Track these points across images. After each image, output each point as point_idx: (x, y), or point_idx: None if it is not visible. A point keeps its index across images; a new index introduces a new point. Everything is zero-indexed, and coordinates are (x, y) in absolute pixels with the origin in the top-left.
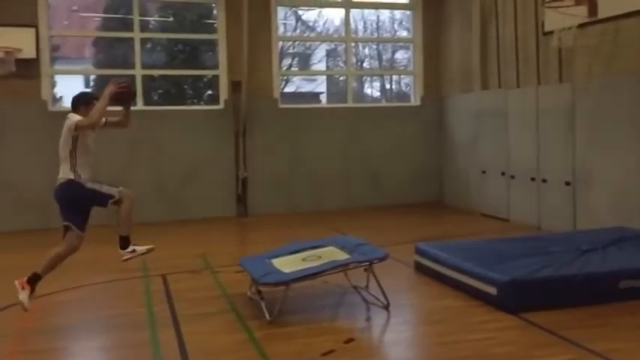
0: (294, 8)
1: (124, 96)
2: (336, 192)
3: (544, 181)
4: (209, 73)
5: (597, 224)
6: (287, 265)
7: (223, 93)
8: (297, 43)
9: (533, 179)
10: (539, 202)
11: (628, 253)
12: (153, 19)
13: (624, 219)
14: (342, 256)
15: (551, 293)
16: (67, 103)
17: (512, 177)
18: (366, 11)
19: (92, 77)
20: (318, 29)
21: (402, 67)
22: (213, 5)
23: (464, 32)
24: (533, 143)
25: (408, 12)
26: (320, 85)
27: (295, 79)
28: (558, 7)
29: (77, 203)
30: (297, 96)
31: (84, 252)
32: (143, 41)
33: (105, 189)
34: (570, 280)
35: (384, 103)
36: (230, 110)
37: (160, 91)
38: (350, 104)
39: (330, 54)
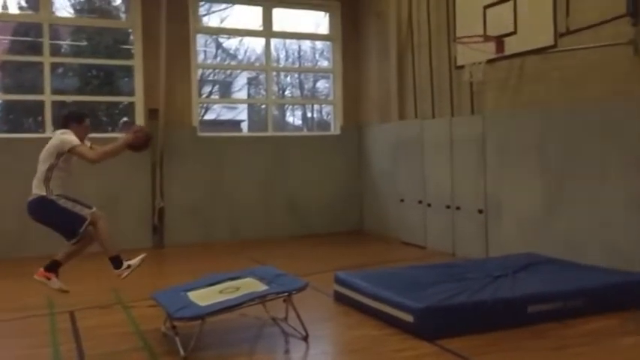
0: (214, 36)
1: (140, 145)
2: (256, 221)
3: (458, 208)
4: (124, 99)
5: (508, 250)
6: (203, 297)
7: (139, 120)
8: (217, 70)
9: (448, 207)
10: (454, 229)
11: (536, 278)
12: (65, 42)
13: (532, 245)
14: (260, 287)
15: (465, 319)
16: None
17: (429, 205)
18: (288, 40)
19: None
20: (240, 57)
21: (324, 97)
22: (130, 30)
23: (382, 64)
24: (448, 172)
25: (328, 42)
26: (241, 113)
27: (216, 106)
28: (468, 43)
29: (52, 218)
30: (218, 124)
31: None
32: (54, 66)
33: (77, 208)
34: (483, 306)
35: (304, 132)
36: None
37: None
38: (270, 133)
39: (251, 82)
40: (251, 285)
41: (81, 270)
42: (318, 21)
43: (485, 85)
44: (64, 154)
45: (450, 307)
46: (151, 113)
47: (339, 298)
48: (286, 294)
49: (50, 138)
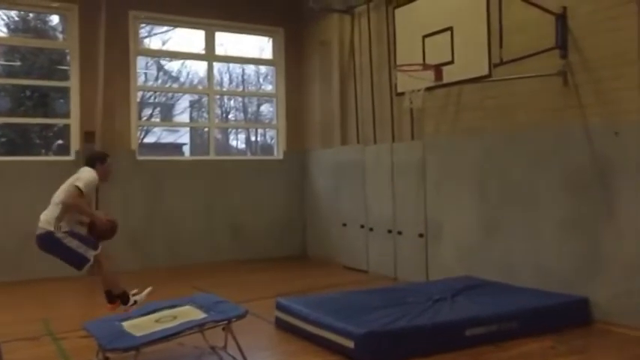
0: (156, 58)
1: (102, 231)
2: (198, 247)
3: (400, 233)
4: (59, 121)
5: (447, 273)
6: (139, 327)
7: (75, 143)
8: (158, 93)
9: (389, 231)
10: (396, 253)
11: (473, 302)
12: None
13: (471, 268)
14: (199, 315)
15: (405, 344)
16: None
17: (371, 229)
18: (232, 64)
19: None
20: (182, 80)
21: (268, 121)
22: (67, 51)
23: (324, 90)
24: (389, 197)
25: (272, 67)
26: (183, 137)
27: (157, 129)
28: (408, 70)
29: (57, 253)
30: (159, 147)
31: None
32: None
33: (82, 249)
34: (422, 330)
35: (247, 156)
36: (82, 162)
37: (4, 140)
38: (212, 157)
39: (193, 105)
40: (189, 313)
41: (13, 297)
42: (262, 45)
43: (425, 112)
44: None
45: (391, 332)
46: (87, 136)
47: (281, 324)
48: (225, 322)
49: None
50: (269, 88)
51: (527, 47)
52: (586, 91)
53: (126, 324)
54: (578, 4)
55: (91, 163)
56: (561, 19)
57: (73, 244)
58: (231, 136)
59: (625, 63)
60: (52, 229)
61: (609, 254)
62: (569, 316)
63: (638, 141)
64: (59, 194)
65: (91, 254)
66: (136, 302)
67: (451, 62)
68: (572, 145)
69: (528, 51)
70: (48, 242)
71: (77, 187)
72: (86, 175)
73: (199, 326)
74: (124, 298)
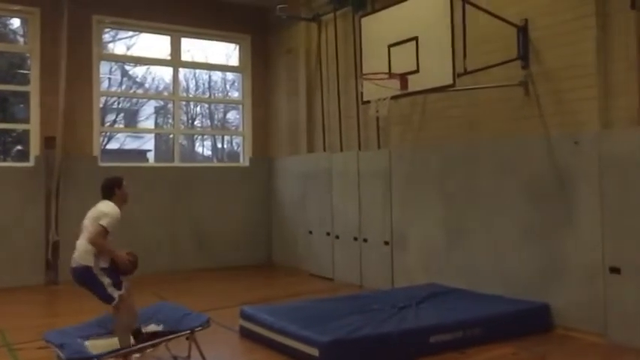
0: (120, 63)
1: (126, 269)
2: (162, 255)
3: (365, 240)
4: (18, 127)
5: (412, 280)
6: (100, 347)
7: (35, 149)
8: (122, 98)
9: (355, 239)
10: (362, 261)
11: (438, 309)
12: None
13: (435, 275)
14: (161, 325)
15: (370, 351)
16: None
17: (337, 237)
18: (199, 70)
19: None
20: (147, 85)
21: (234, 127)
22: (28, 55)
23: (291, 97)
24: (355, 204)
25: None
26: (147, 143)
27: (120, 135)
28: (374, 79)
29: (89, 287)
30: (122, 153)
31: None
32: None
33: (110, 290)
34: (387, 338)
35: (213, 163)
36: (42, 168)
37: None
38: (177, 164)
39: (159, 111)
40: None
41: None
42: (229, 52)
43: (391, 120)
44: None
45: (356, 340)
46: (48, 141)
47: (245, 333)
48: (188, 332)
49: None
50: (236, 95)
51: (491, 58)
52: (546, 101)
53: (88, 343)
54: (539, 16)
55: (109, 191)
56: (523, 31)
57: (104, 281)
58: (197, 143)
59: (584, 74)
60: (90, 265)
61: (569, 261)
62: (530, 322)
63: (597, 150)
64: (87, 227)
65: (116, 295)
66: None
67: (416, 71)
68: (534, 154)
69: (491, 61)
70: (83, 277)
71: (102, 227)
72: (111, 211)
73: (162, 336)
74: (138, 337)
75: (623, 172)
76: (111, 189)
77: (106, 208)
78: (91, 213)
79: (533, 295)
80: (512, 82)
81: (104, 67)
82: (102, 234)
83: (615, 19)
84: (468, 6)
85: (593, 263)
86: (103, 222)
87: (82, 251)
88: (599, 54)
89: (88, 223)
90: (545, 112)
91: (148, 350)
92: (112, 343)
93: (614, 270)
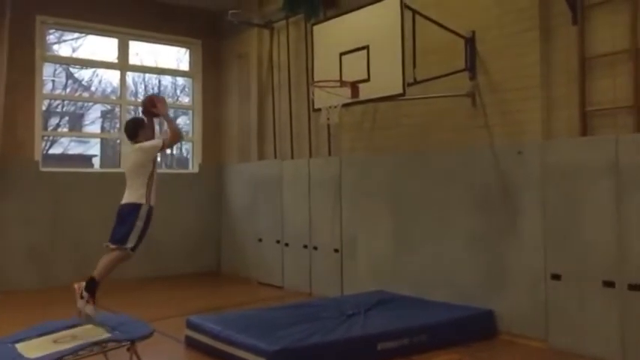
0: (65, 65)
1: (146, 110)
2: None
3: (315, 248)
4: None
5: (362, 288)
6: (34, 349)
7: None
8: (67, 101)
9: (305, 247)
10: (311, 268)
11: (385, 316)
12: None
13: (384, 283)
14: (100, 334)
15: (318, 359)
16: None
17: (287, 245)
18: (148, 75)
19: None
20: (93, 89)
21: (184, 133)
22: None
23: (242, 103)
24: (306, 212)
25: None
26: (93, 148)
27: (64, 140)
28: (325, 87)
29: (123, 223)
30: (65, 158)
31: None
32: None
33: (132, 236)
34: (335, 345)
35: (161, 169)
36: None
37: None
38: (124, 169)
39: (105, 115)
40: (90, 332)
41: None
42: (179, 57)
43: (342, 128)
44: (155, 159)
45: (303, 348)
46: None
47: (191, 343)
48: (129, 342)
49: None
50: (186, 100)
51: (440, 68)
52: (492, 111)
53: (20, 346)
54: (486, 29)
55: (134, 133)
56: (470, 42)
57: (137, 228)
58: None
59: (528, 86)
60: (142, 201)
61: (512, 267)
62: (475, 328)
63: (539, 160)
64: (137, 174)
65: (129, 246)
66: (87, 303)
67: (367, 80)
68: (480, 163)
69: (440, 72)
70: (128, 212)
71: (161, 144)
72: (148, 144)
73: (100, 346)
74: (91, 285)
75: (563, 182)
76: (135, 130)
77: (137, 145)
78: (130, 158)
79: (479, 301)
80: (460, 92)
81: (48, 69)
82: (165, 142)
83: (558, 33)
84: (417, 17)
85: (536, 270)
86: (158, 144)
87: (133, 193)
88: (542, 67)
89: (134, 170)
90: (491, 123)
91: None
92: (44, 342)
93: (555, 277)
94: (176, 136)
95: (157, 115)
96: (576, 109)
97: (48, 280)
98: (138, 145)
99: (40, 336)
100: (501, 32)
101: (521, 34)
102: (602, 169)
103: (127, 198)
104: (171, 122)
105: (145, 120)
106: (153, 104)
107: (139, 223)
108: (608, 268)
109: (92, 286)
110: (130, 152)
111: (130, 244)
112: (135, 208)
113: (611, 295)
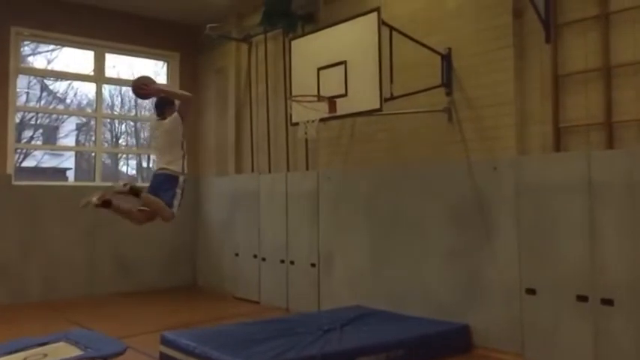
0: (40, 77)
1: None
2: (77, 279)
3: (292, 263)
4: None
5: (339, 303)
6: None
7: None
8: (41, 114)
9: (282, 261)
10: (288, 283)
11: (362, 331)
12: None
13: (361, 297)
14: (72, 352)
15: None
16: None
17: (264, 259)
18: (125, 87)
19: None
20: (68, 101)
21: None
22: None
23: (220, 117)
24: (283, 226)
25: None
26: (67, 161)
27: (38, 153)
28: (302, 101)
29: (162, 189)
30: (39, 172)
31: None
32: None
33: (175, 202)
34: None
35: (137, 182)
36: None
37: None
38: (98, 183)
39: (81, 128)
40: (62, 350)
41: None
42: (157, 70)
43: (320, 143)
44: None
45: None
46: None
47: None
48: (102, 359)
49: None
50: None
51: (417, 84)
52: (468, 127)
53: None
54: (461, 46)
55: (162, 109)
56: (447, 59)
57: (177, 195)
58: (122, 162)
59: (502, 103)
60: (179, 170)
61: (488, 282)
62: (451, 343)
63: (513, 175)
64: (170, 143)
65: (171, 210)
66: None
67: (344, 95)
68: (456, 178)
69: (417, 87)
70: (168, 182)
71: (185, 110)
72: (175, 116)
73: None
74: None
75: (537, 197)
76: (163, 107)
77: (172, 119)
78: (160, 132)
79: (455, 316)
80: (436, 107)
81: (22, 81)
82: (186, 107)
83: (532, 51)
84: (395, 33)
85: (511, 285)
86: (182, 112)
87: (169, 159)
88: (516, 84)
89: (167, 139)
90: (467, 138)
91: None
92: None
93: (530, 291)
94: (184, 99)
95: (149, 95)
96: (550, 126)
97: (18, 296)
98: (165, 120)
99: (10, 353)
100: (477, 49)
101: (496, 52)
102: (574, 184)
103: (167, 164)
104: (171, 91)
105: (173, 102)
106: (140, 87)
107: (179, 191)
108: (582, 283)
109: (134, 192)
110: (159, 127)
111: (174, 209)
112: (174, 179)
113: (585, 309)
